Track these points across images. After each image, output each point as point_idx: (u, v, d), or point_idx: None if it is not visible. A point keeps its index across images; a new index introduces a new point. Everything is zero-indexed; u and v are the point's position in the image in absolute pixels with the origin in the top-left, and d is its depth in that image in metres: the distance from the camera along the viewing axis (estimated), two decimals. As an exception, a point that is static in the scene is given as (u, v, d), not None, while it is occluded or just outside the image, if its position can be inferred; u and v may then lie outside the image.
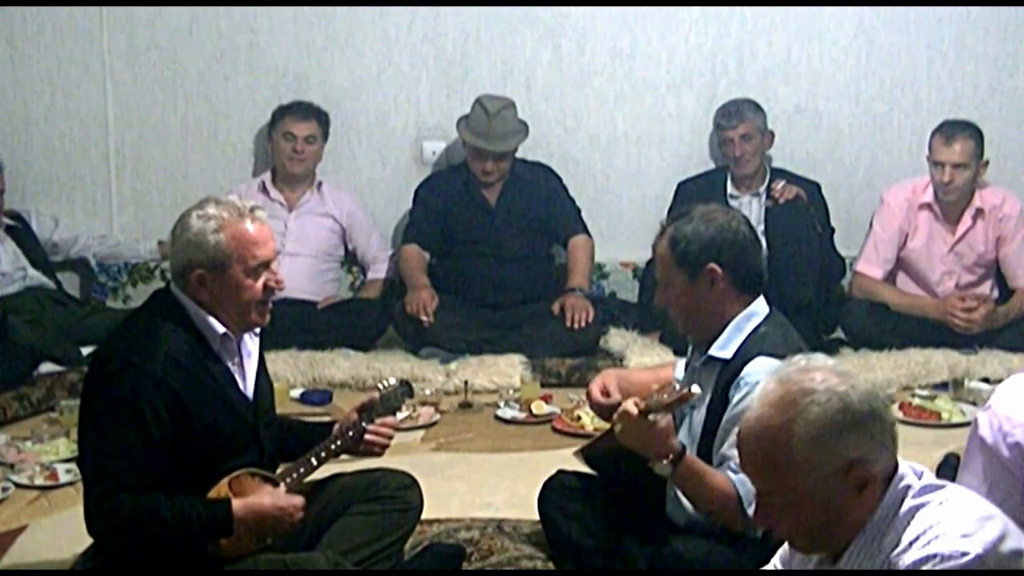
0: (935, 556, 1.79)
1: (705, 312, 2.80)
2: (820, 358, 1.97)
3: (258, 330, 2.83)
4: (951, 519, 1.84)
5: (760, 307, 2.83)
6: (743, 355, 2.72)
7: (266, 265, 2.70)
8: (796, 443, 1.87)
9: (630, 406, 2.62)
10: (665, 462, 2.62)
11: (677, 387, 2.62)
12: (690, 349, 2.99)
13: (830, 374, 1.92)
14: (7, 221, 5.14)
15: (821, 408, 1.87)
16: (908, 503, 1.88)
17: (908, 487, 1.90)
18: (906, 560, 1.82)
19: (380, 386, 2.99)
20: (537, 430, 4.31)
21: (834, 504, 1.89)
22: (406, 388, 3.03)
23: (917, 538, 1.83)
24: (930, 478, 1.94)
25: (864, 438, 1.88)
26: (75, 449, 3.80)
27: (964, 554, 1.78)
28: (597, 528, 2.96)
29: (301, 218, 5.30)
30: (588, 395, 3.14)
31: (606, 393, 3.06)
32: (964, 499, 1.91)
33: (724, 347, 2.77)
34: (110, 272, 5.46)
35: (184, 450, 2.60)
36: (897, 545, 1.85)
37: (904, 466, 1.93)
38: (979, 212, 5.06)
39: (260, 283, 2.70)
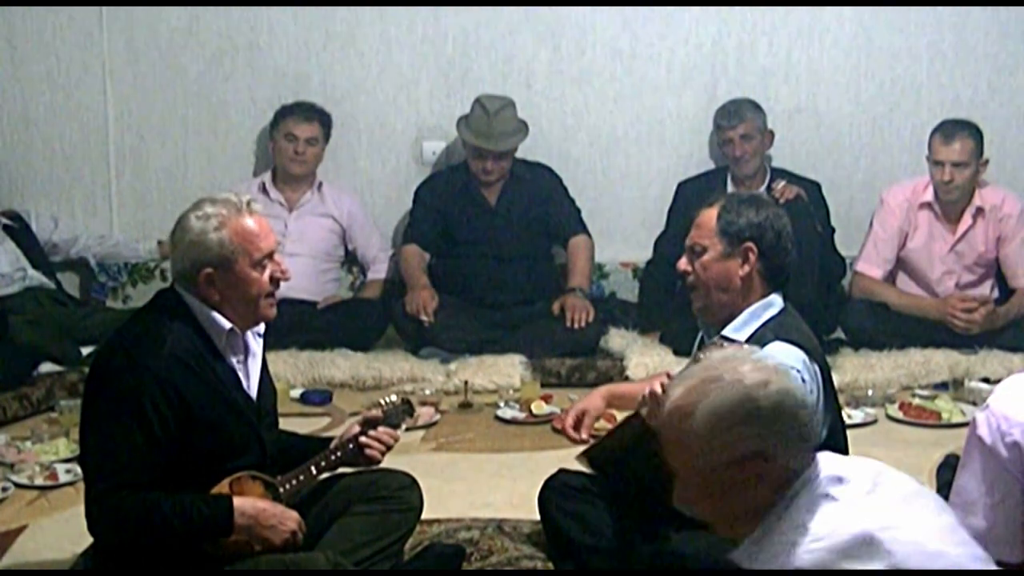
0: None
1: (728, 289, 2.85)
2: (748, 350, 2.02)
3: (262, 330, 2.83)
4: (830, 521, 1.86)
5: (778, 300, 2.89)
6: (759, 339, 2.76)
7: (270, 256, 2.72)
8: (695, 426, 1.91)
9: (656, 386, 2.65)
10: None
11: (724, 345, 2.64)
12: (698, 338, 3.01)
13: (749, 367, 1.94)
14: (6, 221, 5.14)
15: (722, 397, 1.90)
16: (806, 496, 1.90)
17: (813, 478, 1.92)
18: (795, 562, 1.84)
19: (382, 402, 3.00)
20: (537, 430, 4.31)
21: (731, 492, 1.92)
22: (407, 407, 3.03)
23: (806, 539, 1.86)
24: (834, 467, 1.94)
25: (765, 433, 1.90)
26: (75, 449, 3.82)
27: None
28: (598, 527, 2.96)
29: (301, 218, 5.31)
30: (563, 429, 3.24)
31: (578, 426, 3.13)
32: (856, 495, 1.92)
33: (739, 330, 2.81)
34: (110, 272, 5.46)
35: (186, 449, 2.61)
36: (792, 541, 1.87)
37: (821, 458, 1.95)
38: (979, 211, 5.06)
39: (267, 275, 2.71)
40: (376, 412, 2.97)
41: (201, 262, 2.66)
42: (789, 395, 1.92)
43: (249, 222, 2.69)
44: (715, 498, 1.94)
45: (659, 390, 2.66)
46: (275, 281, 2.74)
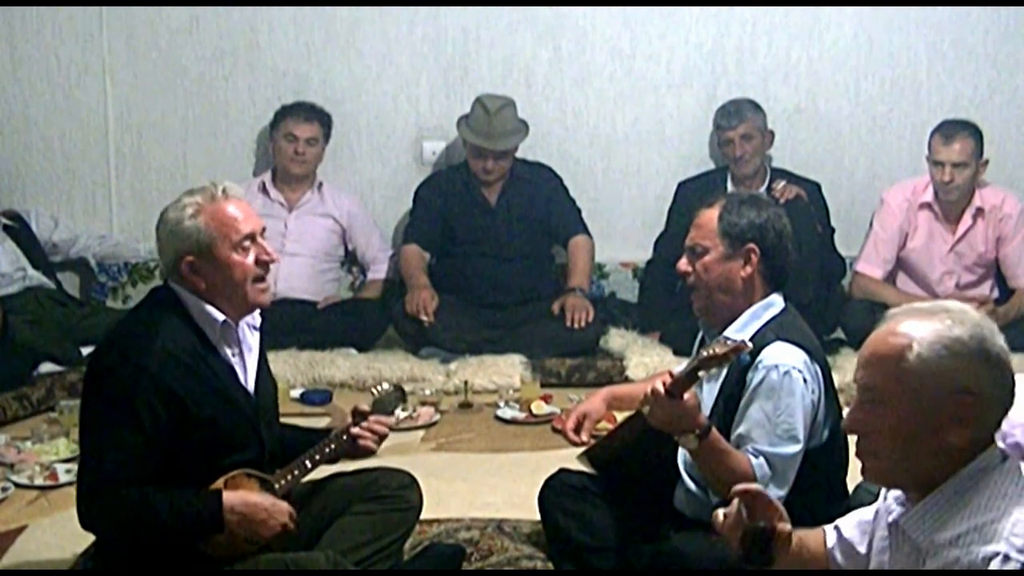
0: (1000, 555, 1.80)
1: (730, 291, 2.84)
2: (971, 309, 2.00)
3: (258, 323, 2.83)
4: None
5: (778, 300, 2.88)
6: (760, 339, 2.75)
7: (252, 238, 2.71)
8: (924, 344, 1.89)
9: (658, 385, 2.65)
10: (692, 436, 2.64)
11: (729, 343, 2.63)
12: (699, 338, 3.01)
13: (980, 315, 1.95)
14: (6, 221, 5.14)
15: (961, 330, 1.90)
16: (994, 475, 1.88)
17: (1000, 455, 1.91)
18: (975, 552, 1.82)
19: (374, 391, 2.99)
20: (537, 430, 4.31)
21: (926, 426, 1.89)
22: (400, 393, 3.01)
23: (992, 525, 1.83)
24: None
25: (986, 375, 1.89)
26: (75, 449, 3.83)
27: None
28: (598, 527, 2.96)
29: (301, 218, 5.31)
30: (564, 431, 3.22)
31: (578, 429, 3.12)
32: None
33: (740, 330, 2.80)
34: (110, 272, 5.47)
35: (183, 445, 2.60)
36: (974, 522, 1.84)
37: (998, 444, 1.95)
38: (979, 212, 5.06)
39: (251, 258, 2.70)
40: (366, 406, 2.95)
41: (181, 251, 2.66)
42: (1007, 352, 1.93)
43: (226, 206, 2.69)
44: (905, 425, 1.91)
45: (660, 389, 2.65)
46: (262, 264, 2.73)
